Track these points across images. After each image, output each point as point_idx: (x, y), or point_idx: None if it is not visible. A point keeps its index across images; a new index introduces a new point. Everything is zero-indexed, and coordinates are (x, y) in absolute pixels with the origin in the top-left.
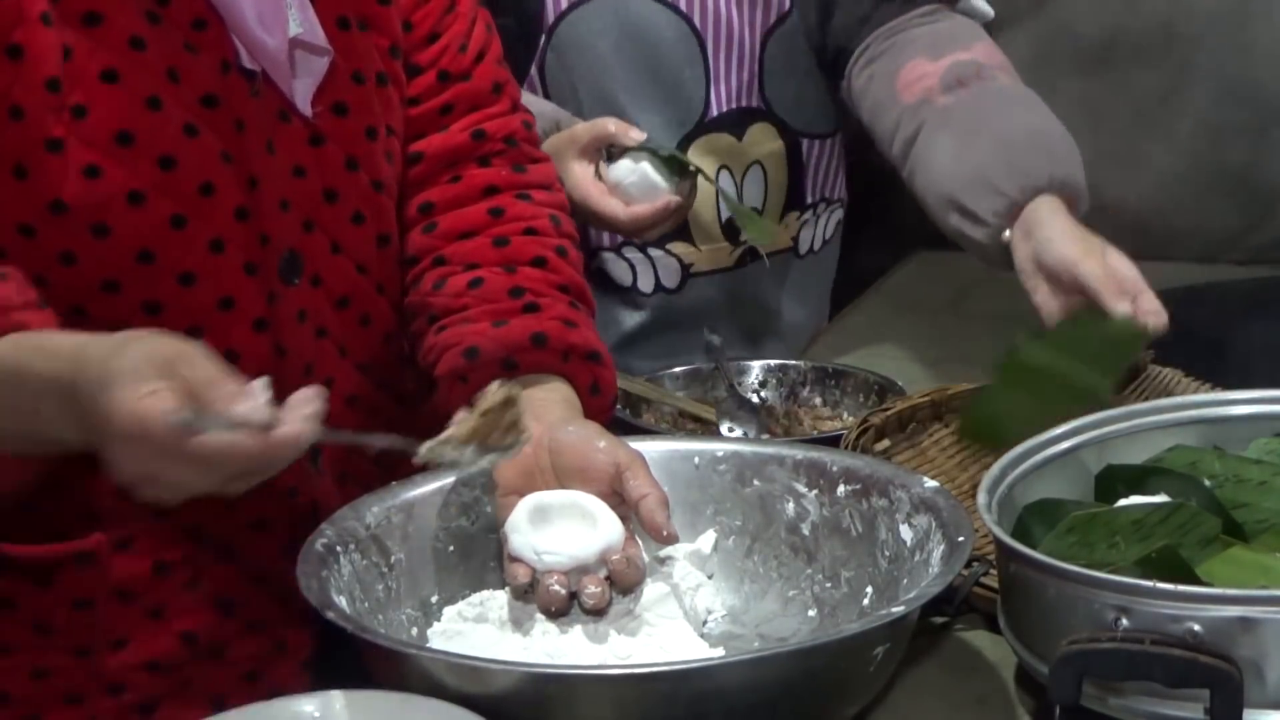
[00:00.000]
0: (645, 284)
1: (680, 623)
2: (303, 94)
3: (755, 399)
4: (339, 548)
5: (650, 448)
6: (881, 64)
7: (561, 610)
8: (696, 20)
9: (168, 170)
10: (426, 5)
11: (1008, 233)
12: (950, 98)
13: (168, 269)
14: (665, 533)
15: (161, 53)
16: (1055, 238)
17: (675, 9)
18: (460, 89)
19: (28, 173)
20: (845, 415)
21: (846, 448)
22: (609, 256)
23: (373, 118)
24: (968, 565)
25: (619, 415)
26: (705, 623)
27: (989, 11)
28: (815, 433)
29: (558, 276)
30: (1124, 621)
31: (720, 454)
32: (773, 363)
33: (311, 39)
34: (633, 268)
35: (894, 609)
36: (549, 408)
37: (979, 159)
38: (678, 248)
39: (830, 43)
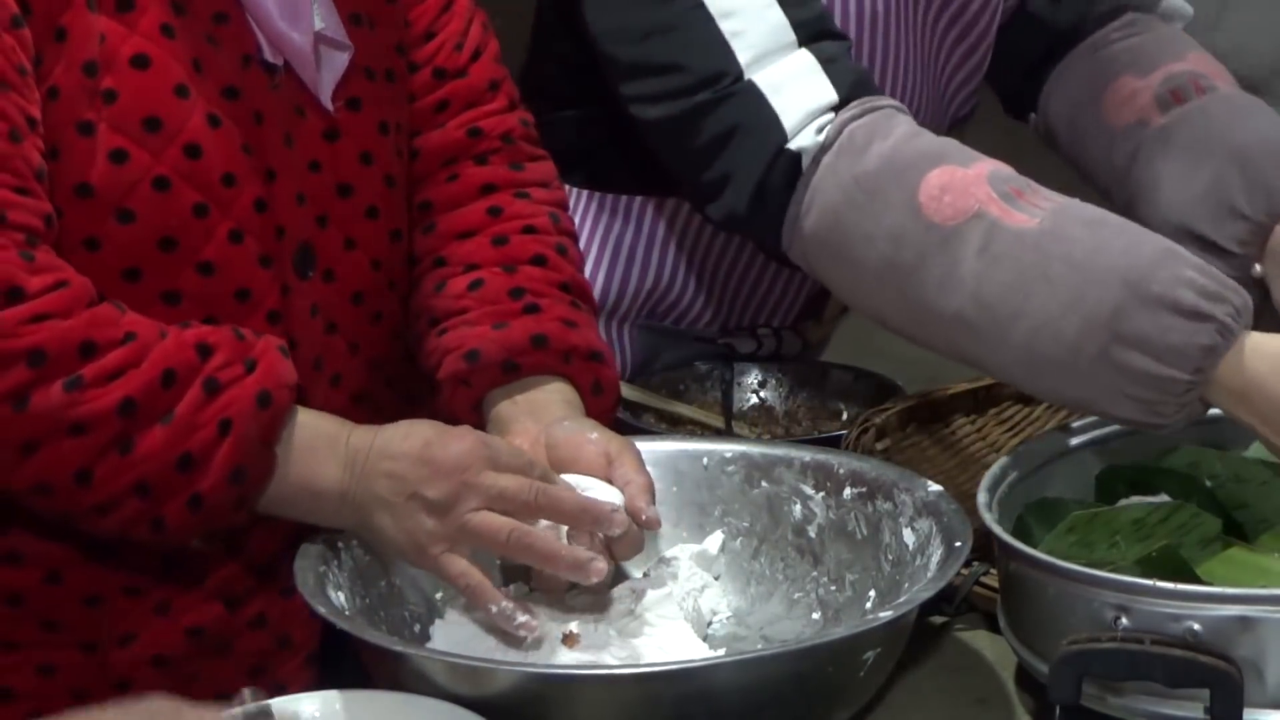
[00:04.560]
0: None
1: (681, 624)
2: (325, 89)
3: (755, 399)
4: (340, 543)
5: (659, 448)
6: (1083, 87)
7: (560, 584)
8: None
9: (194, 159)
10: (423, 3)
11: (1258, 267)
12: (1168, 116)
13: (188, 258)
14: (644, 517)
15: (188, 42)
16: None
17: None
18: (456, 86)
19: (59, 154)
20: (845, 415)
21: (847, 447)
22: (738, 333)
23: (384, 113)
24: (967, 565)
25: (619, 416)
26: (710, 624)
27: (1189, 10)
28: (816, 433)
29: (558, 274)
30: (1124, 621)
31: (729, 455)
32: (772, 363)
33: (334, 34)
34: (759, 343)
35: (882, 614)
36: (548, 408)
37: (1211, 179)
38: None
39: (1016, 70)
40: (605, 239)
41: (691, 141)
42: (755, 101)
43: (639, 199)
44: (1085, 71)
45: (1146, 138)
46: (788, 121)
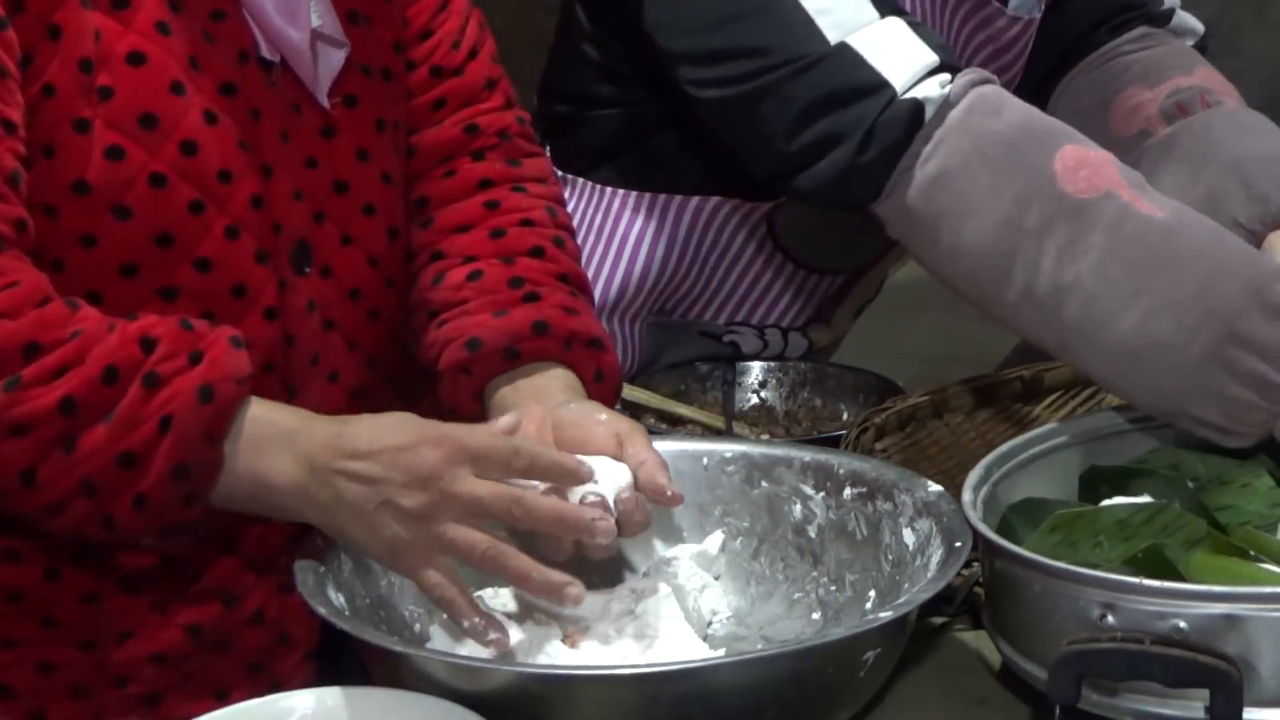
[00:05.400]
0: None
1: (681, 624)
2: (322, 85)
3: (755, 399)
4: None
5: (659, 448)
6: (1090, 95)
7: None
8: None
9: (190, 156)
10: (420, 1)
11: None
12: (1172, 127)
13: (185, 254)
14: (669, 493)
15: (184, 39)
16: None
17: None
18: (452, 84)
19: (55, 152)
20: (845, 415)
21: (847, 447)
22: (745, 330)
23: (381, 111)
24: (967, 565)
25: None
26: (710, 624)
27: (1200, 27)
28: (815, 433)
29: (556, 266)
30: (1110, 618)
31: (729, 455)
32: (773, 363)
33: (331, 31)
34: (765, 343)
35: (882, 614)
36: (551, 393)
37: (1208, 187)
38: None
39: (1028, 80)
40: (627, 234)
41: (780, 112)
42: (853, 62)
43: (663, 196)
44: (1094, 81)
45: (1149, 147)
46: (896, 77)
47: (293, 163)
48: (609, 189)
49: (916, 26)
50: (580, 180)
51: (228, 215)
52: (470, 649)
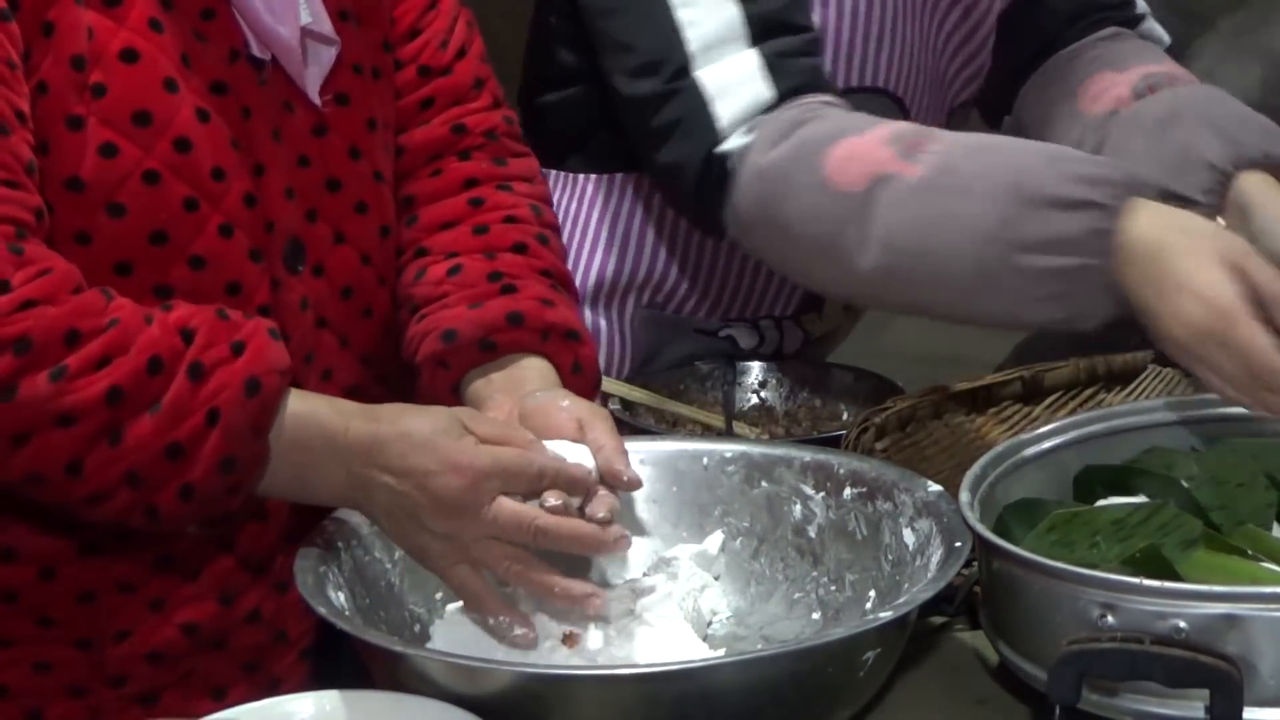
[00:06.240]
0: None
1: (681, 624)
2: (313, 83)
3: (755, 399)
4: (340, 542)
5: (659, 448)
6: (1060, 85)
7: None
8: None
9: (183, 153)
10: (406, 1)
11: (1220, 219)
12: (1142, 100)
13: (179, 252)
14: (626, 477)
15: (176, 37)
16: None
17: (885, 91)
18: (441, 84)
19: (49, 149)
20: (845, 415)
21: (847, 447)
22: (739, 324)
23: (372, 109)
24: (967, 565)
25: (618, 416)
26: (710, 624)
27: (1166, 38)
28: (815, 433)
29: (539, 262)
30: (1110, 619)
31: (729, 455)
32: (773, 363)
33: (321, 29)
34: (761, 337)
35: (882, 614)
36: (525, 384)
37: (1181, 140)
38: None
39: (998, 75)
40: (602, 219)
41: (646, 124)
42: (696, 102)
43: (636, 176)
44: (1064, 71)
45: (1120, 118)
46: (722, 125)
47: (284, 161)
48: (579, 175)
49: (778, 57)
50: (553, 173)
51: (221, 213)
52: (474, 648)
